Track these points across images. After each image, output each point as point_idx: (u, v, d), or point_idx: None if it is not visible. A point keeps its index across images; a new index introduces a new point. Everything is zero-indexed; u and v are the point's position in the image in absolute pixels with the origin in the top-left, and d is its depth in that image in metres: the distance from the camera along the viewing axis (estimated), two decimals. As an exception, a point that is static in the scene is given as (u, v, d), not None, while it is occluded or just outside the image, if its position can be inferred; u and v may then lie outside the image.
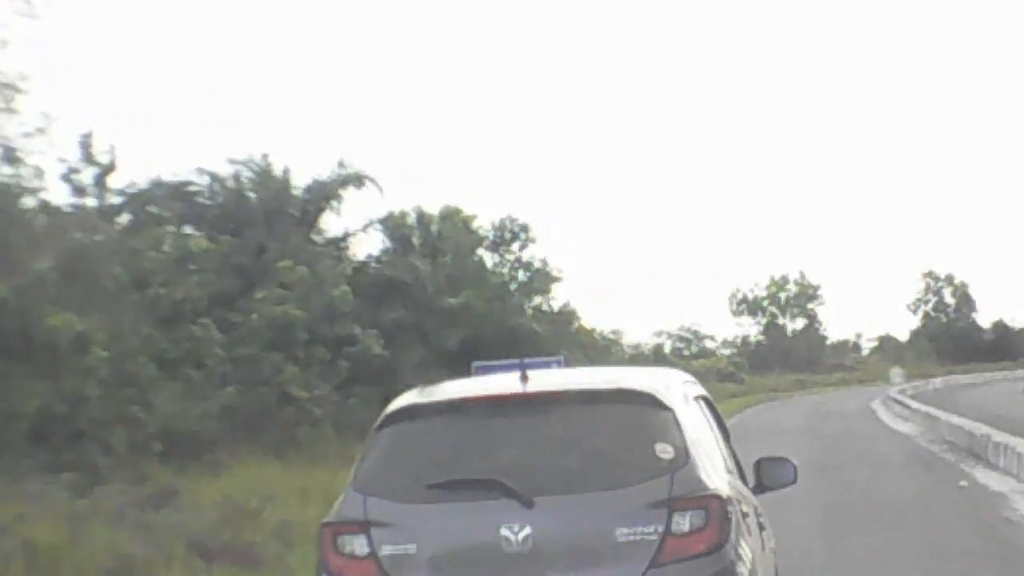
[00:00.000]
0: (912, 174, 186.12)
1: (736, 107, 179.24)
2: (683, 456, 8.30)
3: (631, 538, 8.09)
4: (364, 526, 8.32)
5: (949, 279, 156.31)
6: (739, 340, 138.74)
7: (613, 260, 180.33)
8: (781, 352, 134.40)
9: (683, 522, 8.11)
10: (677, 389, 9.08)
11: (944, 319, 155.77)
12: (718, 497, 8.24)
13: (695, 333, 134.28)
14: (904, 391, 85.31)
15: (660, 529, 8.08)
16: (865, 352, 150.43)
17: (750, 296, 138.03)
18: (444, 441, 8.57)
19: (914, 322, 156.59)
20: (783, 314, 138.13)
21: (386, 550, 8.26)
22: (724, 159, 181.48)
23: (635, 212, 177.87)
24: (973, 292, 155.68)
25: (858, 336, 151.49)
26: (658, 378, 9.19)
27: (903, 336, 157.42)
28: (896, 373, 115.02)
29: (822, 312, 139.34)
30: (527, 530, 8.11)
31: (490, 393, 8.79)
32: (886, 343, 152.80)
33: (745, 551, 8.43)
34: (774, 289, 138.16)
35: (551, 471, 8.30)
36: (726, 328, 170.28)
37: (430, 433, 8.62)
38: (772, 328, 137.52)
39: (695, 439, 8.57)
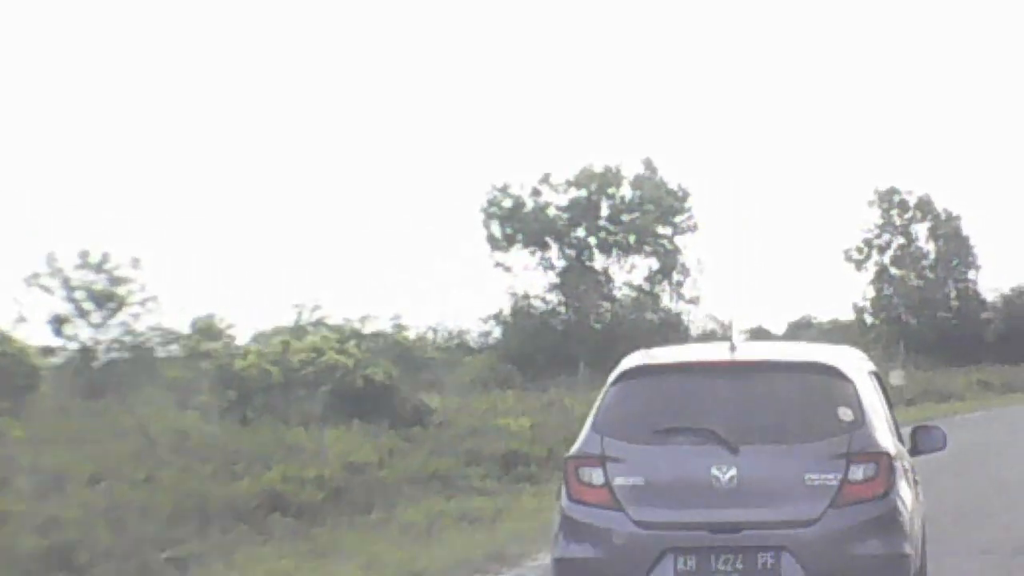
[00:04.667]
0: (865, 44, 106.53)
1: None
2: (860, 419, 10.74)
3: (816, 482, 10.49)
4: (601, 460, 10.70)
5: (925, 206, 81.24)
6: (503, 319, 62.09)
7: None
8: (598, 343, 58.74)
9: (858, 472, 10.55)
10: (856, 365, 11.48)
11: (915, 279, 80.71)
12: (887, 454, 10.72)
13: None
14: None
15: (839, 477, 10.51)
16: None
17: (528, 206, 60.79)
18: (667, 395, 10.93)
19: (861, 282, 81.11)
20: (607, 251, 61.46)
21: (618, 480, 10.66)
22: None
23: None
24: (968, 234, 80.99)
25: (726, 326, 75.01)
26: (840, 354, 11.62)
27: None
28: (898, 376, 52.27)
29: (693, 247, 62.78)
30: (733, 471, 10.51)
31: (705, 359, 11.36)
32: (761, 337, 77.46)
33: (906, 499, 10.90)
34: (587, 191, 61.21)
35: (753, 425, 10.69)
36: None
37: (656, 388, 11.00)
38: (575, 279, 60.38)
39: (869, 406, 10.94)
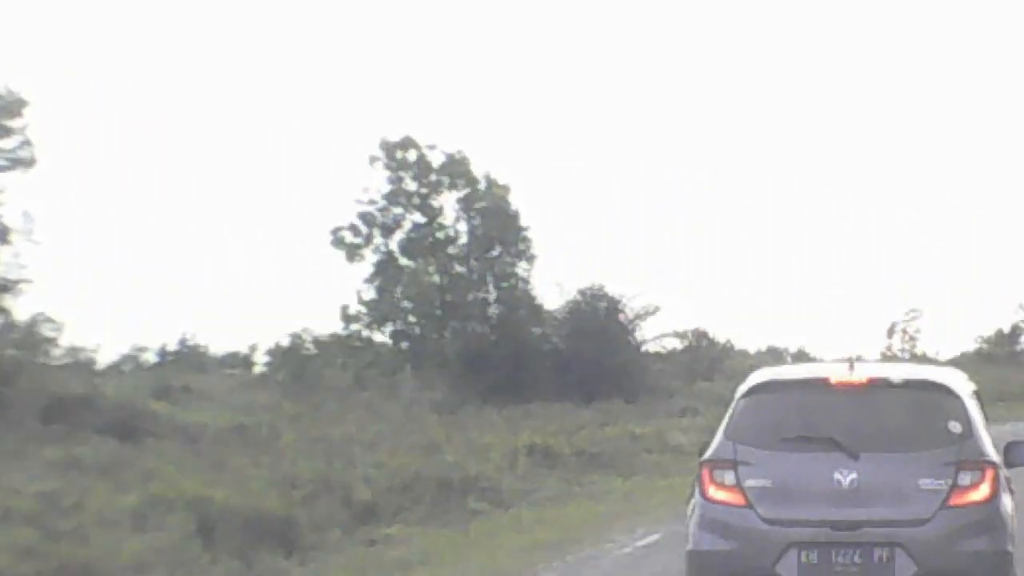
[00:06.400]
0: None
1: None
2: (968, 431, 12.42)
3: (929, 486, 12.16)
4: (733, 464, 12.43)
5: (456, 167, 53.98)
6: None
7: None
8: None
9: (966, 478, 12.20)
10: (962, 384, 13.10)
11: (437, 275, 53.02)
12: (992, 463, 12.40)
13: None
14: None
15: (950, 482, 12.17)
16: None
17: None
18: (792, 408, 12.67)
19: (357, 278, 52.94)
20: None
21: (748, 482, 12.34)
22: None
23: None
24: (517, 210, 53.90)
25: (252, 348, 48.32)
26: (948, 374, 13.38)
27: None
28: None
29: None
30: (853, 475, 12.19)
31: (827, 376, 12.83)
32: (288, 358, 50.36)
33: (1008, 505, 12.51)
34: None
35: (872, 435, 12.40)
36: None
37: (782, 401, 12.76)
38: None
39: (975, 420, 12.60)
